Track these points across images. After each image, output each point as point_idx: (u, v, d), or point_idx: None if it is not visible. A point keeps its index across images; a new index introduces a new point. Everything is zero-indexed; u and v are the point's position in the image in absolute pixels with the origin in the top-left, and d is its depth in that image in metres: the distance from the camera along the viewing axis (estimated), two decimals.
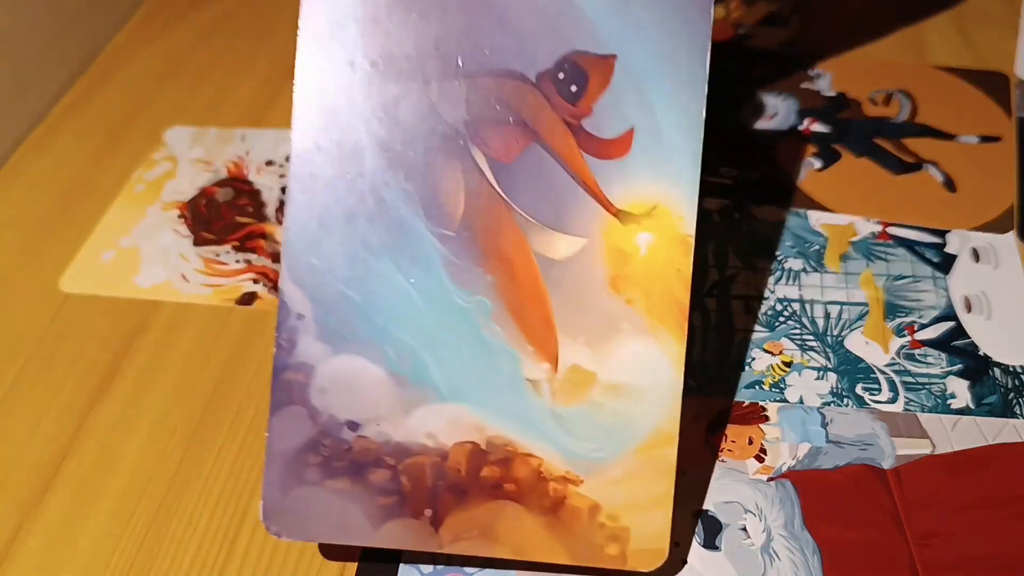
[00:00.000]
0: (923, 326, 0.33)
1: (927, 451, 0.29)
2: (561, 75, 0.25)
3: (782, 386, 0.31)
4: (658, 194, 0.25)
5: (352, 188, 0.26)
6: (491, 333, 0.26)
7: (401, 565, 0.27)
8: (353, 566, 0.27)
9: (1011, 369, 0.31)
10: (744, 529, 0.28)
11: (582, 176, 0.25)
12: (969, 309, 0.33)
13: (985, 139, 0.39)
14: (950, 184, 0.37)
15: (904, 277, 0.34)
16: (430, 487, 0.26)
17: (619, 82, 0.25)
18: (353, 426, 0.26)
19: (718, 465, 0.29)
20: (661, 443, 0.25)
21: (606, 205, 0.25)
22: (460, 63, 0.25)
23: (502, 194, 0.26)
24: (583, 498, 0.25)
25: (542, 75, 0.25)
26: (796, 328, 0.33)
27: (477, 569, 0.27)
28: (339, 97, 0.25)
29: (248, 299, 0.36)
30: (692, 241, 0.25)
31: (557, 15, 0.25)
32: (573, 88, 0.25)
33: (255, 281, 0.36)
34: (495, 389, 0.26)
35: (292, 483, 0.26)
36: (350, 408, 0.26)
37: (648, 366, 0.25)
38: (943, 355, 0.32)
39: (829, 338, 0.32)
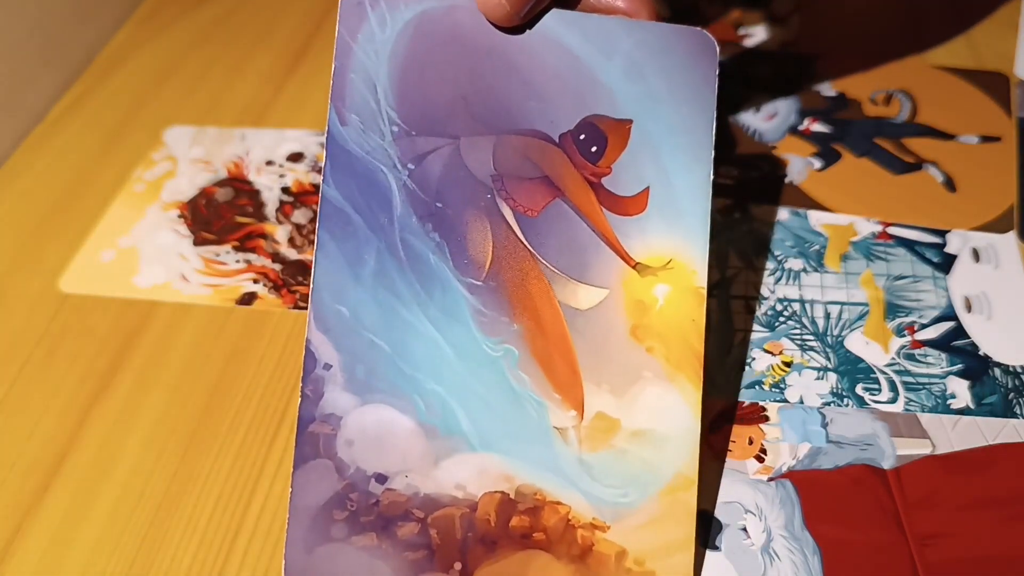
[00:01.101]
0: (923, 326, 0.33)
1: (927, 451, 0.29)
2: (582, 136, 0.26)
3: (782, 386, 0.31)
4: (673, 249, 0.26)
5: (381, 237, 0.26)
6: (519, 381, 0.26)
7: None
8: None
9: (1011, 369, 0.31)
10: (744, 529, 0.28)
11: (603, 231, 0.26)
12: (969, 309, 0.33)
13: (985, 139, 0.39)
14: (950, 184, 0.37)
15: (904, 277, 0.34)
16: (460, 540, 0.25)
17: (635, 145, 0.26)
18: (381, 479, 0.25)
19: (718, 466, 0.29)
20: (682, 487, 0.26)
21: (626, 258, 0.26)
22: (488, 122, 0.26)
23: (528, 246, 0.26)
24: (610, 544, 0.26)
25: (564, 136, 0.26)
26: (796, 328, 0.33)
27: None
28: (370, 149, 0.26)
29: (248, 299, 0.36)
30: (705, 293, 0.26)
31: (577, 82, 0.26)
32: (593, 148, 0.26)
33: (255, 281, 0.36)
34: (524, 438, 0.26)
35: (317, 541, 0.25)
36: (378, 460, 0.25)
37: (669, 412, 0.26)
38: (943, 355, 0.32)
39: (829, 338, 0.32)
